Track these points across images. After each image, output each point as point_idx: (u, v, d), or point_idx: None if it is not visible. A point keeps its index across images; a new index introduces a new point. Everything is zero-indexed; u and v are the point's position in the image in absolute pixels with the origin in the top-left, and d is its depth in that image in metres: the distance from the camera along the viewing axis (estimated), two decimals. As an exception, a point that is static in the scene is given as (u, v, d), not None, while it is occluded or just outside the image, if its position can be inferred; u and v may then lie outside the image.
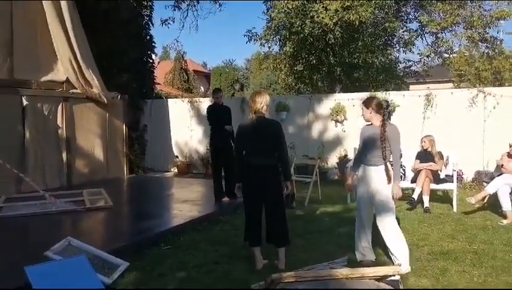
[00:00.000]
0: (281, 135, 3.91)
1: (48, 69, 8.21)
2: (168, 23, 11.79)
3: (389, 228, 3.81)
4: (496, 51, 12.11)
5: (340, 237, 4.87)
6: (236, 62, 40.62)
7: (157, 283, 3.62)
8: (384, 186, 3.78)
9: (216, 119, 6.65)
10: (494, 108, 8.01)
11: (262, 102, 3.89)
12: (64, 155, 8.30)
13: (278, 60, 12.71)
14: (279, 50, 12.17)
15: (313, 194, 6.99)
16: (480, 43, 11.60)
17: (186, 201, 6.65)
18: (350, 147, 8.76)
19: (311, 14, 9.82)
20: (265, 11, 12.00)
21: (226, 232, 5.15)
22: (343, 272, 2.32)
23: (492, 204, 5.92)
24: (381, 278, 2.42)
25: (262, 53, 13.69)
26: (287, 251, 3.96)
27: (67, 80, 8.43)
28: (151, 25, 11.70)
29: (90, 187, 7.20)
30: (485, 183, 6.73)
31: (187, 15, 11.87)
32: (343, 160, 8.97)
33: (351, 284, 2.26)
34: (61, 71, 8.37)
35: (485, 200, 5.92)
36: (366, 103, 3.93)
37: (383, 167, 3.78)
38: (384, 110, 3.90)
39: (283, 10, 10.06)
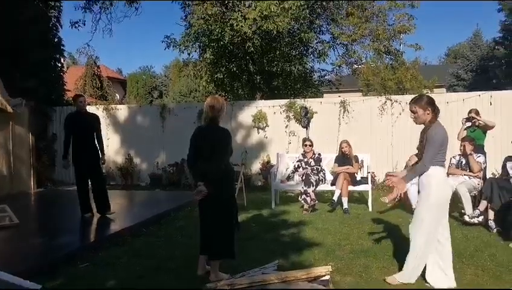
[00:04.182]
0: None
1: None
2: (79, 25, 11.04)
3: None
4: (398, 62, 13.27)
5: (268, 242, 4.89)
6: (154, 69, 39.43)
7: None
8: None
9: (80, 131, 5.92)
10: (400, 114, 8.75)
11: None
12: (-43, 169, 7.32)
13: (198, 67, 12.59)
14: (199, 57, 12.08)
15: (238, 201, 6.94)
16: (385, 54, 12.61)
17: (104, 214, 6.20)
18: (273, 153, 8.94)
19: (230, 22, 9.89)
20: (184, 17, 11.85)
21: (150, 245, 4.88)
22: (277, 276, 2.30)
23: (403, 202, 6.40)
24: (314, 279, 2.45)
25: (182, 60, 13.46)
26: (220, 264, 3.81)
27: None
28: (59, 26, 10.88)
29: (-10, 204, 6.39)
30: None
31: (99, 18, 11.22)
32: (267, 166, 9.11)
33: (285, 287, 2.25)
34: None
35: (396, 200, 6.37)
36: (420, 103, 3.41)
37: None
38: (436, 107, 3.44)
39: (202, 17, 9.99)
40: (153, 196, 8.41)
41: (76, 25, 10.99)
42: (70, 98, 14.20)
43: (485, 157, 6.10)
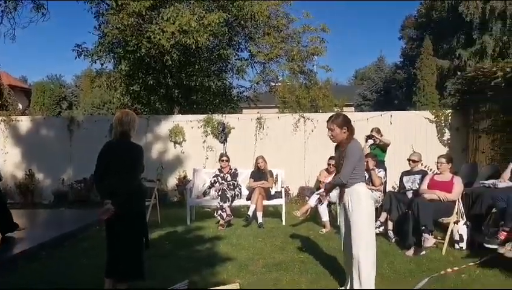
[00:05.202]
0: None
1: None
2: (-23, 29, 9.98)
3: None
4: (312, 82, 14.00)
5: (181, 260, 4.78)
6: (64, 78, 36.83)
7: None
8: None
9: None
10: (312, 131, 9.20)
11: None
12: None
13: (113, 78, 12.04)
14: (114, 68, 11.58)
15: (152, 218, 6.73)
16: (299, 74, 13.22)
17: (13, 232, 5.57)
18: (190, 168, 8.83)
19: (147, 35, 9.66)
20: (97, 26, 11.29)
21: (49, 269, 4.47)
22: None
23: (314, 216, 6.68)
24: (223, 297, 2.43)
25: (94, 70, 12.76)
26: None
27: None
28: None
29: None
30: (307, 198, 7.57)
31: (1, 22, 10.24)
32: (183, 181, 8.96)
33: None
34: None
35: (308, 213, 6.63)
36: (337, 122, 3.56)
37: None
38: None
39: (117, 27, 9.63)
40: (57, 215, 7.78)
41: (-27, 28, 9.93)
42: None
43: (386, 172, 6.63)
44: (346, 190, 3.57)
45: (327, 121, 3.65)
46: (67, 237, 5.72)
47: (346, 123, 3.57)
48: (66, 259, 4.85)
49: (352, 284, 3.57)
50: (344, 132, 3.55)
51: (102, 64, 10.98)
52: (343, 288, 3.71)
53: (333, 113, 3.82)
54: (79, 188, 9.08)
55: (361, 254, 3.47)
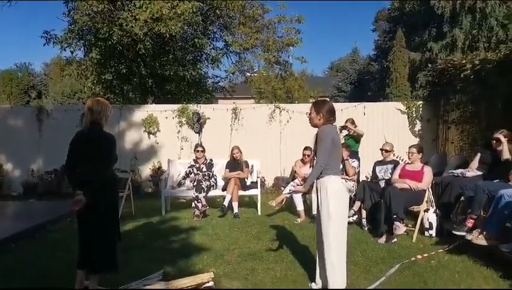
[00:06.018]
0: None
1: None
2: None
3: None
4: (288, 72, 14.03)
5: (156, 251, 4.73)
6: (33, 66, 35.38)
7: None
8: None
9: None
10: (288, 122, 9.25)
11: None
12: None
13: (84, 66, 11.70)
14: (84, 56, 11.24)
15: (126, 209, 6.63)
16: (275, 65, 13.22)
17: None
18: (164, 158, 8.73)
19: (119, 22, 9.41)
20: (67, 13, 10.91)
21: (19, 262, 4.35)
22: (159, 287, 2.23)
23: (289, 205, 6.74)
24: (198, 286, 2.43)
25: (64, 58, 12.34)
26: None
27: None
28: None
29: None
30: (282, 188, 7.63)
31: (-37, 7, 9.77)
32: (158, 172, 8.86)
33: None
34: None
35: (283, 203, 6.67)
36: (316, 107, 3.55)
37: None
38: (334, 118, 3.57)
39: (87, 13, 9.33)
40: (26, 206, 7.56)
41: None
42: None
43: (359, 162, 6.74)
44: (319, 180, 3.47)
45: (312, 104, 3.69)
46: (37, 229, 5.57)
47: (325, 112, 3.50)
48: (36, 251, 4.73)
49: (326, 281, 3.51)
50: (319, 119, 3.51)
51: (72, 52, 10.66)
52: (317, 288, 3.64)
53: (323, 99, 3.79)
54: (49, 179, 8.83)
55: (327, 249, 3.39)
